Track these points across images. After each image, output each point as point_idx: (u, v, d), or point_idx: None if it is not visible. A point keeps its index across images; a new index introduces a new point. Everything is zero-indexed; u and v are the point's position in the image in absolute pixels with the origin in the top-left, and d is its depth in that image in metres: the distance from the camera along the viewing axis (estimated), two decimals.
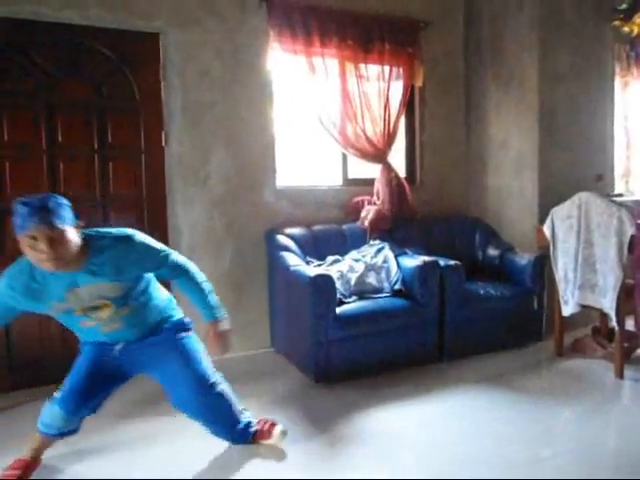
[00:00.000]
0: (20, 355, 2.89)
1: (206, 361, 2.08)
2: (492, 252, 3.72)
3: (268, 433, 2.18)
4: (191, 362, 2.02)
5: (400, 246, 3.41)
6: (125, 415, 2.55)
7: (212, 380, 2.05)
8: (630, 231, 2.78)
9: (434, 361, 3.15)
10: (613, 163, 3.99)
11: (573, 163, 3.69)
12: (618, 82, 4.09)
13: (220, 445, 2.20)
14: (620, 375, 2.91)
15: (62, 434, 2.02)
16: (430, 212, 3.91)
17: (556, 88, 3.60)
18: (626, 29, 3.67)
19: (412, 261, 3.14)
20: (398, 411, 2.56)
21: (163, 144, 3.15)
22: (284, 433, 2.19)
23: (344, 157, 3.75)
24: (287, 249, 3.21)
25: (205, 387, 2.02)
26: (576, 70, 3.67)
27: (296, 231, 3.37)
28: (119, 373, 2.06)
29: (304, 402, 2.68)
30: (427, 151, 4.01)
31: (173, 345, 2.04)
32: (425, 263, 3.08)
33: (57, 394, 2.01)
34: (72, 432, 2.05)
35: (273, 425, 2.21)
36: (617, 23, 3.70)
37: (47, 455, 2.09)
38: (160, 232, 3.17)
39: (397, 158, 3.90)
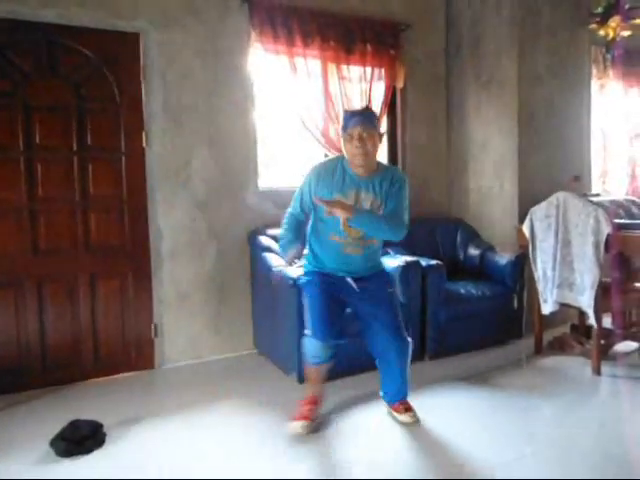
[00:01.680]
0: None
1: (401, 315, 2.45)
2: (473, 252, 3.77)
3: (404, 410, 2.45)
4: (395, 315, 2.41)
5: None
6: None
7: (405, 333, 2.43)
8: (606, 230, 2.85)
9: (416, 360, 3.15)
10: (590, 163, 4.07)
11: (551, 163, 3.75)
12: (594, 84, 4.18)
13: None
14: (597, 372, 2.97)
15: (327, 360, 2.35)
16: (412, 212, 3.91)
17: (534, 89, 3.66)
18: (602, 32, 3.74)
19: (394, 261, 3.16)
20: (380, 410, 2.58)
21: (144, 145, 3.12)
22: (415, 419, 2.43)
23: (326, 157, 3.75)
24: (270, 250, 3.21)
25: (401, 335, 2.40)
26: (554, 72, 3.73)
27: (279, 232, 3.35)
28: (341, 299, 2.40)
29: (289, 403, 2.69)
30: (409, 152, 4.04)
31: (386, 297, 2.42)
32: (407, 263, 3.11)
33: (307, 331, 2.35)
34: (333, 357, 2.37)
35: (409, 409, 2.45)
36: (593, 27, 3.78)
37: None
38: (141, 233, 3.15)
39: (379, 159, 3.91)
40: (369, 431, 2.41)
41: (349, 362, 2.86)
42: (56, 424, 2.35)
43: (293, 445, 2.28)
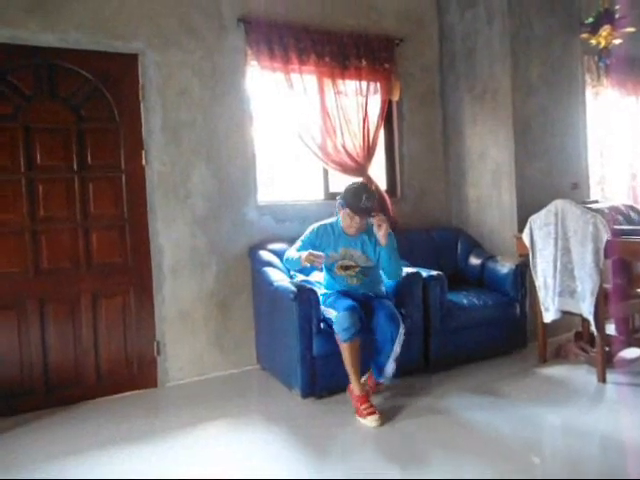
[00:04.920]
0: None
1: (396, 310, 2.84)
2: (474, 261, 3.77)
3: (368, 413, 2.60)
4: (389, 307, 2.81)
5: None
6: None
7: (400, 321, 2.76)
8: (605, 237, 2.85)
9: (420, 372, 3.16)
10: (588, 171, 4.09)
11: (549, 171, 3.77)
12: (589, 92, 4.22)
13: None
14: (602, 379, 2.95)
15: (356, 332, 2.62)
16: (412, 223, 3.95)
17: (529, 99, 3.69)
18: (593, 42, 3.79)
19: None
20: (385, 424, 2.56)
21: (143, 163, 3.15)
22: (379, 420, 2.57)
23: (325, 171, 3.79)
24: (271, 265, 3.21)
25: (396, 322, 2.73)
26: (547, 81, 3.77)
27: (280, 246, 3.37)
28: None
29: (294, 418, 2.67)
30: (407, 164, 4.07)
31: (383, 304, 2.83)
32: (408, 274, 3.10)
33: (334, 314, 2.71)
34: (360, 332, 2.64)
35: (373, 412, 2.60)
36: (585, 36, 3.83)
37: None
38: (142, 251, 3.16)
39: (378, 171, 3.95)
40: (373, 445, 2.39)
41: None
42: (59, 445, 2.33)
43: (295, 459, 2.26)
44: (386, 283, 3.06)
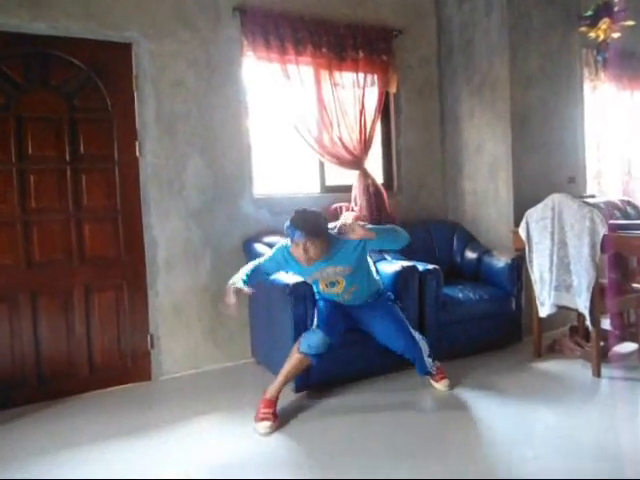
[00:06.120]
0: None
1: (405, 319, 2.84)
2: (470, 255, 3.76)
3: (440, 378, 2.88)
4: (401, 319, 2.82)
5: (379, 252, 3.42)
6: None
7: (412, 332, 2.80)
8: (602, 231, 2.84)
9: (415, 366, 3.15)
10: (585, 165, 4.07)
11: (546, 166, 3.75)
12: (587, 86, 4.20)
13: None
14: (597, 374, 2.95)
15: (318, 353, 2.57)
16: (408, 217, 3.93)
17: (527, 92, 3.67)
18: (592, 35, 3.76)
19: (391, 266, 3.15)
20: (379, 418, 2.56)
21: (137, 154, 3.11)
22: (449, 386, 2.86)
23: (321, 164, 3.76)
24: None
25: (408, 335, 2.77)
26: (546, 74, 3.75)
27: (275, 239, 3.34)
28: (349, 317, 2.77)
29: (287, 412, 2.66)
30: (404, 157, 4.05)
31: (389, 307, 2.84)
32: (404, 268, 3.09)
33: (314, 328, 2.65)
34: (322, 355, 2.58)
35: (444, 377, 2.88)
36: (584, 29, 3.80)
37: None
38: (136, 244, 3.13)
39: (374, 164, 3.92)
40: (365, 440, 2.39)
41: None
42: (52, 439, 2.31)
43: (290, 452, 2.25)
44: (382, 275, 3.04)
